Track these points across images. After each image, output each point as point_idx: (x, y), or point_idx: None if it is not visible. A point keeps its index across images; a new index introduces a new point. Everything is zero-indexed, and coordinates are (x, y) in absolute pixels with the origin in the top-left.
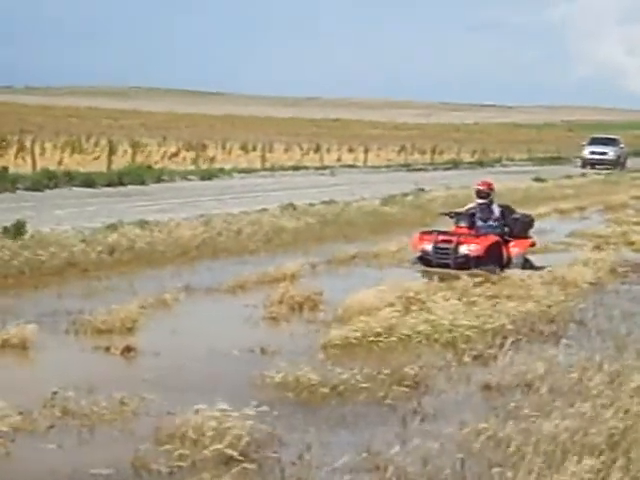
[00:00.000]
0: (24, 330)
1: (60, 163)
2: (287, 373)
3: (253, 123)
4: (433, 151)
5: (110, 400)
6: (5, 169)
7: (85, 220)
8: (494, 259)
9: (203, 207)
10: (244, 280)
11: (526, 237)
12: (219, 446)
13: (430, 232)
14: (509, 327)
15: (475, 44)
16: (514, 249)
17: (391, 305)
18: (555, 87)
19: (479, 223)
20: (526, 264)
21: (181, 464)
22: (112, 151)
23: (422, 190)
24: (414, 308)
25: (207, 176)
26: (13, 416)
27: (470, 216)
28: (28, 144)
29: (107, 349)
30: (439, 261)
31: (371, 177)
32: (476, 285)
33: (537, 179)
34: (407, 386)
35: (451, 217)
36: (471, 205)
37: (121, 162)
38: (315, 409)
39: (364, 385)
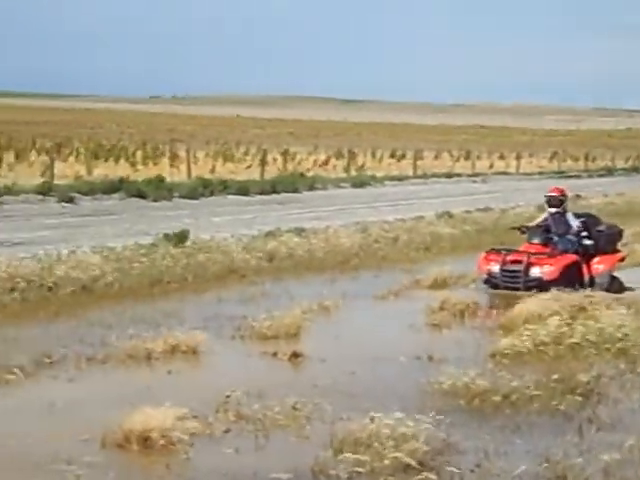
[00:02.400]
0: (194, 336)
1: (213, 171)
2: (457, 380)
3: (401, 130)
4: (586, 158)
5: (283, 405)
6: (161, 178)
7: (242, 227)
8: (571, 281)
9: (358, 214)
10: (404, 287)
11: (614, 251)
12: (397, 454)
13: (498, 251)
14: None
15: (626, 49)
16: (599, 266)
17: (556, 314)
18: None
19: (555, 238)
20: (614, 282)
21: (359, 470)
22: (264, 159)
23: (578, 197)
24: (580, 317)
25: (359, 184)
26: (190, 421)
27: (544, 231)
28: (180, 153)
29: (274, 354)
30: (507, 285)
31: (524, 184)
32: None
33: None
34: (580, 395)
35: (522, 232)
36: (542, 217)
37: (272, 170)
38: (488, 417)
39: (536, 393)
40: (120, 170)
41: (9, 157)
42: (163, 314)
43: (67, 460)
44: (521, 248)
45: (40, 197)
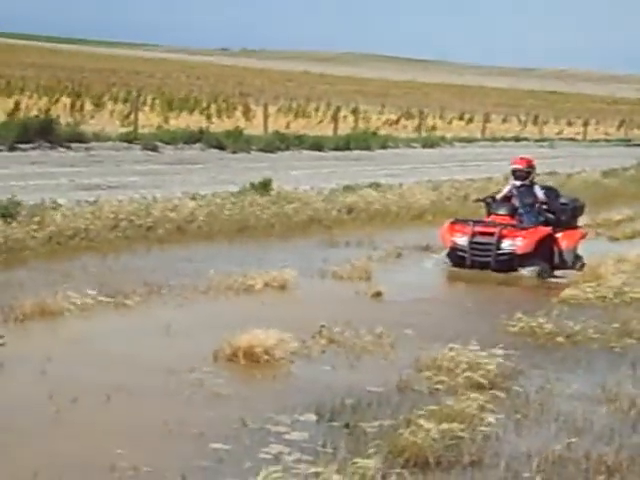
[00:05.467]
0: (283, 273)
1: (287, 127)
2: (524, 322)
3: (469, 92)
4: None
5: (370, 334)
6: (240, 130)
7: (321, 181)
8: (544, 256)
9: (429, 173)
10: None
11: (575, 227)
12: (472, 374)
13: (464, 221)
14: None
15: None
16: (563, 242)
17: (623, 273)
18: None
19: (521, 210)
20: (576, 261)
21: (439, 387)
22: (337, 117)
23: None
24: None
25: (429, 144)
26: (289, 343)
27: (508, 202)
28: (251, 107)
29: (357, 293)
30: (476, 259)
31: (590, 150)
32: None
33: None
34: (636, 338)
35: (487, 203)
36: (507, 189)
37: (343, 127)
38: (552, 352)
39: (595, 336)
40: (194, 122)
41: (87, 105)
42: (250, 255)
43: (190, 369)
44: (487, 219)
45: (125, 144)
